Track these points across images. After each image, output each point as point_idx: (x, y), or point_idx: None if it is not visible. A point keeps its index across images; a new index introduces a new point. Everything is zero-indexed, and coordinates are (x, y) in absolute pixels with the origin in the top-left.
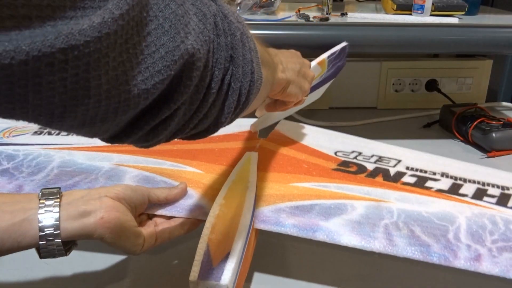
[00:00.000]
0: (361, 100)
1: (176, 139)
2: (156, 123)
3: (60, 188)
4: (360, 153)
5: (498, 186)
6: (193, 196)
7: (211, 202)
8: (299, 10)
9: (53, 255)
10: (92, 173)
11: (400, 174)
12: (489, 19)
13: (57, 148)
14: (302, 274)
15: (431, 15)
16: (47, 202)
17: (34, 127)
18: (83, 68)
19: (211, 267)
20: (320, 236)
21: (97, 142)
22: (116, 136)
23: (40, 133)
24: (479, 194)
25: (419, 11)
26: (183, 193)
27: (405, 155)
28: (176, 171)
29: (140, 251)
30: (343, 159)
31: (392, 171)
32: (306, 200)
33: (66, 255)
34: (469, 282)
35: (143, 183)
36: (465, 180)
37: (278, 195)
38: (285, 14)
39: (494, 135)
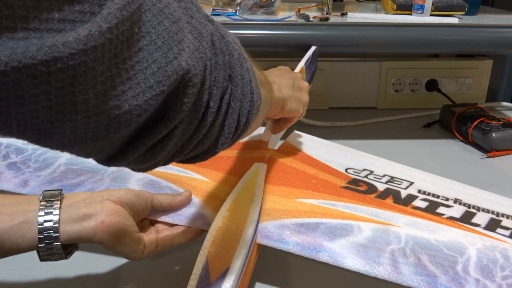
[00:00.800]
0: (361, 100)
1: (175, 162)
2: (153, 142)
3: (61, 190)
4: (371, 172)
5: None
6: (197, 204)
7: (215, 212)
8: (299, 10)
9: (53, 258)
10: (98, 173)
11: (411, 198)
12: (489, 19)
13: None
14: (303, 284)
15: (431, 15)
16: (48, 204)
17: None
18: (68, 81)
19: (208, 282)
20: (323, 257)
21: None
22: (113, 157)
23: None
24: (493, 225)
25: (419, 11)
26: (187, 201)
27: (418, 177)
28: (182, 177)
29: (140, 257)
30: (353, 176)
31: (403, 194)
32: (312, 218)
33: (66, 258)
34: None
35: (148, 187)
36: (478, 209)
37: (284, 210)
38: (285, 14)
39: (494, 135)
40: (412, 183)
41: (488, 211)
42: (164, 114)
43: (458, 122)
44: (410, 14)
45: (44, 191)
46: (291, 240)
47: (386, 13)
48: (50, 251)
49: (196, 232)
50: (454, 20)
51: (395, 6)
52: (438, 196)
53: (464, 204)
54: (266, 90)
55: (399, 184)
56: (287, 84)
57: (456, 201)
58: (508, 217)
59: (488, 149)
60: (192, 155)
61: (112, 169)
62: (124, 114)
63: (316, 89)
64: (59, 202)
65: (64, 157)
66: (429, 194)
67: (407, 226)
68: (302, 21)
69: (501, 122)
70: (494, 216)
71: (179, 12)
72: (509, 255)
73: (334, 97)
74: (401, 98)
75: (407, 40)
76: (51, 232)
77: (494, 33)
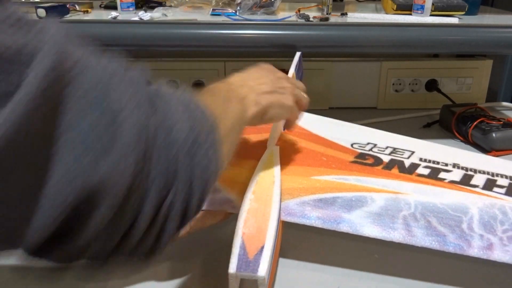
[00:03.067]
0: (361, 100)
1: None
2: (67, 247)
3: None
4: (375, 145)
5: (506, 177)
6: (220, 190)
7: (239, 196)
8: (299, 10)
9: None
10: None
11: (414, 166)
12: (489, 19)
13: None
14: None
15: (431, 15)
16: None
17: None
18: None
19: (247, 259)
20: (343, 228)
21: None
22: (35, 252)
23: None
24: (489, 185)
25: (419, 11)
26: None
27: (417, 145)
28: None
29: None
30: (359, 151)
31: (407, 163)
32: (329, 193)
33: None
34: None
35: None
36: (475, 171)
37: (302, 188)
38: (285, 14)
39: (494, 135)
40: (413, 152)
41: (484, 172)
42: (73, 229)
43: (458, 122)
44: (410, 14)
45: None
46: (313, 215)
47: (386, 13)
48: None
49: (225, 214)
50: (454, 20)
51: (395, 6)
52: (438, 163)
53: (462, 168)
54: (238, 110)
55: (402, 154)
56: (266, 89)
57: (454, 165)
58: (502, 176)
59: (488, 149)
60: (135, 254)
61: None
62: (18, 230)
63: (316, 89)
64: None
65: None
66: (429, 161)
67: (414, 193)
68: (302, 21)
69: (501, 122)
70: (490, 177)
71: (116, 103)
72: (507, 210)
73: (334, 97)
74: (401, 98)
75: (407, 40)
76: None
77: (494, 33)
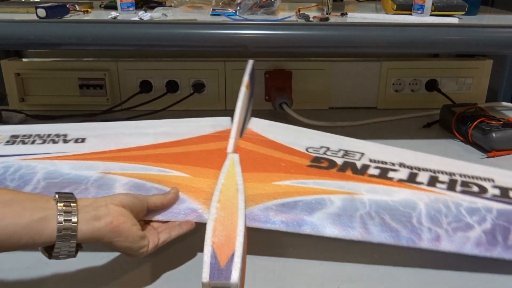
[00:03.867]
0: (361, 100)
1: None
2: None
3: (73, 193)
4: (328, 148)
5: (446, 173)
6: (186, 200)
7: (204, 205)
8: (299, 10)
9: (63, 256)
10: (81, 183)
11: (365, 167)
12: (489, 19)
13: (37, 159)
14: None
15: (431, 15)
16: (66, 204)
17: (6, 135)
18: None
19: (219, 268)
20: (306, 230)
21: (77, 150)
22: None
23: (13, 143)
24: (432, 181)
25: (419, 11)
26: (176, 198)
27: (366, 148)
28: (164, 176)
29: (146, 252)
30: (314, 155)
31: (359, 165)
32: (290, 197)
33: (74, 256)
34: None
35: (135, 191)
36: (419, 169)
37: (264, 194)
38: (285, 14)
39: (494, 135)
40: (363, 154)
41: (426, 170)
42: None
43: (458, 122)
44: (410, 14)
45: (57, 192)
46: (277, 220)
47: (386, 13)
48: (64, 248)
49: (191, 224)
50: (454, 20)
51: (395, 6)
52: (386, 163)
53: (407, 167)
54: None
55: (353, 157)
56: None
57: (400, 165)
58: (442, 172)
59: (488, 149)
60: None
61: (95, 177)
62: None
63: (316, 89)
64: (76, 204)
65: (40, 172)
66: (378, 162)
67: (368, 193)
68: (302, 21)
69: (501, 122)
70: (432, 174)
71: None
72: (449, 204)
73: (334, 97)
74: (401, 98)
75: (407, 40)
76: (69, 231)
77: (494, 33)
